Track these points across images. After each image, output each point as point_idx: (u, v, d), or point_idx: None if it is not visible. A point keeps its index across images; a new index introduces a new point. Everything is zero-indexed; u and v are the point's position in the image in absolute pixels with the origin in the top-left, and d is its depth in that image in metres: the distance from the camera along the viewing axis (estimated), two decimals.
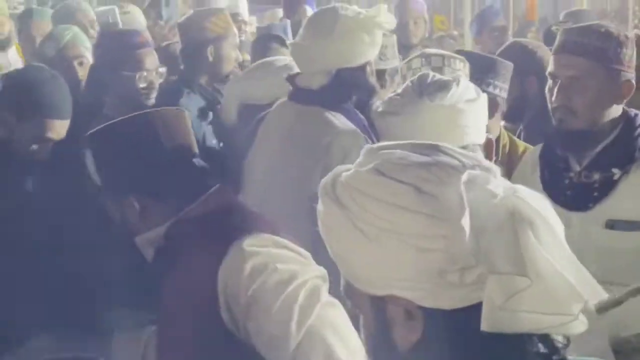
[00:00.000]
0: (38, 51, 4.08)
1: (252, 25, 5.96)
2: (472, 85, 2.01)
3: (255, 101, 3.33)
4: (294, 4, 5.72)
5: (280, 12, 6.55)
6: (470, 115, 1.95)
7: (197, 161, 2.18)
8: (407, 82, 2.02)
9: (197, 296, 1.98)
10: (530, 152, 2.77)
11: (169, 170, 2.11)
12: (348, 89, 2.88)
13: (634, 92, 2.51)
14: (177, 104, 3.50)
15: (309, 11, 5.45)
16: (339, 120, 2.82)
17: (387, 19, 2.88)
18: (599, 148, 2.49)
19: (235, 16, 5.54)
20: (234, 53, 3.90)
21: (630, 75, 2.48)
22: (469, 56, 2.85)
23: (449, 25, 19.69)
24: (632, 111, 2.54)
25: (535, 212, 1.09)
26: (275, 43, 4.37)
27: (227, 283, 1.93)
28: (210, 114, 3.77)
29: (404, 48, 4.89)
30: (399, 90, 2.01)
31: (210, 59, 3.80)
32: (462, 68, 2.66)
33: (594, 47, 2.41)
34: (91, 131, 2.21)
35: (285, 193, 2.82)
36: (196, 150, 2.22)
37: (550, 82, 2.53)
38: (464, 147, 1.90)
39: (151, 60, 3.40)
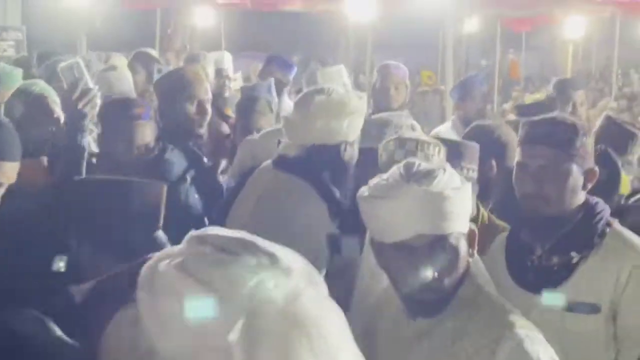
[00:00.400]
0: (5, 109, 3.96)
1: (237, 80, 6.03)
2: (456, 174, 2.03)
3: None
4: (269, 71, 5.77)
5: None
6: (456, 203, 1.96)
7: (158, 234, 2.33)
8: (394, 168, 2.04)
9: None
10: (500, 235, 2.84)
11: (129, 237, 2.23)
12: (320, 163, 3.00)
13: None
14: (162, 159, 3.57)
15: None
16: (306, 190, 2.99)
17: (356, 107, 3.06)
18: (563, 231, 2.58)
19: (219, 72, 5.62)
20: (206, 108, 3.89)
21: (592, 163, 2.59)
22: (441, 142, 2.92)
23: (436, 80, 19.95)
24: (593, 199, 2.64)
25: (313, 321, 1.14)
26: (259, 105, 4.43)
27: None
28: (193, 172, 3.78)
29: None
30: (385, 176, 2.03)
31: (185, 115, 3.82)
32: (437, 153, 2.75)
33: (559, 138, 2.51)
34: (77, 179, 2.33)
35: None
36: (160, 223, 2.36)
37: (517, 171, 2.61)
38: (447, 235, 1.96)
39: (149, 131, 3.54)
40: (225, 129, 4.77)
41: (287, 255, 1.26)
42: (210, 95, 3.88)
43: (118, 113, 3.55)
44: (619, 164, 3.45)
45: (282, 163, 3.15)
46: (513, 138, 3.46)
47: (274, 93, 5.86)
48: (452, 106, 6.33)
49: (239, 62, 20.89)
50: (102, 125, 3.63)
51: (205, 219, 3.72)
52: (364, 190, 2.02)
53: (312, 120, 3.03)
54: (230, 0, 11.58)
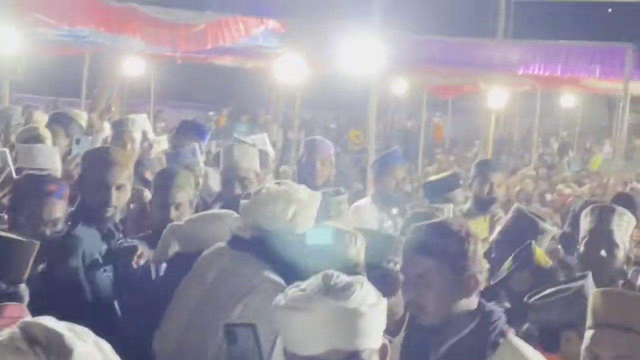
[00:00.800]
0: None
1: (160, 143, 5.98)
2: (373, 289, 2.03)
3: (193, 249, 3.47)
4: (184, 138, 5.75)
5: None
6: (371, 319, 1.94)
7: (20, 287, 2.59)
8: (312, 278, 2.02)
9: None
10: (397, 338, 2.79)
11: None
12: (272, 247, 3.12)
13: None
14: (71, 236, 3.51)
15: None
16: (262, 270, 3.07)
17: (303, 199, 3.17)
18: (453, 340, 2.49)
19: (145, 134, 5.56)
20: (125, 194, 3.83)
21: (476, 269, 2.51)
22: (369, 234, 2.96)
23: (364, 139, 20.21)
24: (489, 306, 2.58)
25: None
26: (178, 180, 4.35)
27: None
28: (104, 250, 3.67)
29: (308, 187, 4.98)
30: (303, 285, 2.00)
31: (102, 198, 3.68)
32: (353, 243, 2.80)
33: (438, 246, 2.46)
34: None
35: (204, 322, 3.08)
36: (23, 277, 2.63)
37: (402, 279, 2.59)
38: (361, 351, 1.92)
39: (59, 209, 3.52)
40: (148, 194, 4.69)
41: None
42: (130, 181, 3.84)
43: (30, 188, 3.54)
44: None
45: (238, 243, 3.25)
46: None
47: (199, 156, 5.84)
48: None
49: (169, 111, 20.91)
50: (14, 198, 3.61)
51: (115, 301, 3.66)
52: (280, 299, 1.99)
53: (262, 205, 3.16)
54: (160, 51, 11.54)
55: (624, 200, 7.07)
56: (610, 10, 9.75)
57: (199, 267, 3.31)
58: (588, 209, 3.87)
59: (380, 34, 7.59)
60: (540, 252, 3.56)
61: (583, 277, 3.03)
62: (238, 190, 4.45)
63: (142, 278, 3.67)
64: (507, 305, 3.32)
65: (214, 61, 14.32)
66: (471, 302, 2.52)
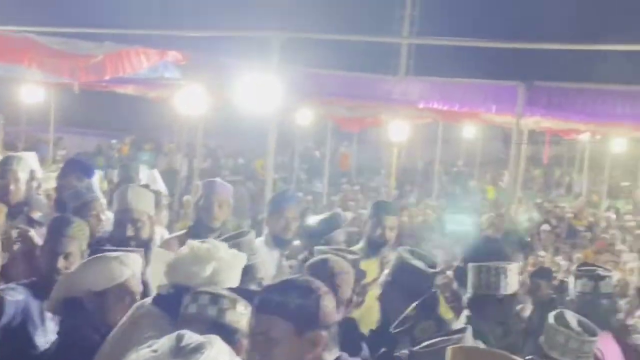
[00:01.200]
0: None
1: (49, 181, 5.82)
2: (226, 349, 2.03)
3: (85, 292, 3.41)
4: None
5: None
6: None
7: None
8: (164, 339, 2.00)
9: None
10: None
11: None
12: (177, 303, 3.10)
13: None
14: None
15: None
16: (161, 325, 3.06)
17: (224, 255, 3.24)
18: None
19: (32, 173, 5.41)
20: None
21: (324, 323, 2.52)
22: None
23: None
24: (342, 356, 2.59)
25: None
26: (70, 230, 4.27)
27: None
28: None
29: (207, 230, 4.95)
30: (155, 345, 1.98)
31: None
32: (231, 306, 2.83)
33: (281, 305, 2.47)
34: None
35: None
36: None
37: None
38: None
39: None
40: (34, 234, 4.58)
41: None
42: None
43: None
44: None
45: (157, 299, 3.29)
46: (344, 269, 3.60)
47: (97, 191, 5.73)
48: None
49: (71, 138, 20.46)
50: None
51: None
52: (133, 358, 1.99)
53: (183, 263, 3.22)
54: (59, 79, 11.30)
55: (512, 236, 7.38)
56: (505, 52, 10.17)
57: (123, 325, 3.31)
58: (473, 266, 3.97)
59: (278, 68, 7.68)
60: (444, 303, 3.64)
61: (464, 329, 3.10)
62: (130, 232, 4.40)
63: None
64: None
65: (116, 89, 14.13)
66: (324, 356, 2.52)
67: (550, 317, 3.27)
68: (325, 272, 3.53)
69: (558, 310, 3.32)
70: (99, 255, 3.62)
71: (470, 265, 3.95)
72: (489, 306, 3.83)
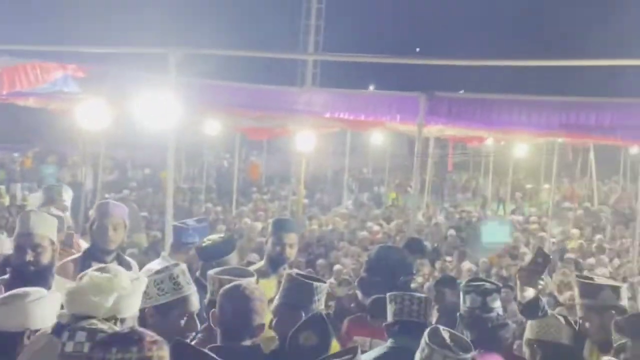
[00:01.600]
0: None
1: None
2: None
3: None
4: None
5: None
6: None
7: None
8: None
9: None
10: None
11: None
12: None
13: None
14: None
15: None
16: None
17: (125, 284, 3.22)
18: None
19: None
20: None
21: None
22: None
23: (178, 181, 20.06)
24: None
25: None
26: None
27: None
28: None
29: (103, 252, 4.81)
30: None
31: None
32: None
33: None
34: None
35: None
36: None
37: None
38: None
39: None
40: None
41: None
42: None
43: None
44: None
45: (56, 327, 3.22)
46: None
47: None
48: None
49: None
50: None
51: None
52: None
53: (83, 294, 3.18)
54: None
55: (414, 245, 7.45)
56: (406, 63, 10.47)
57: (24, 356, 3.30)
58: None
59: (176, 83, 7.67)
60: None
61: (354, 349, 3.11)
62: (29, 257, 4.29)
63: None
64: None
65: (16, 102, 13.74)
66: None
67: (425, 334, 3.26)
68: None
69: (432, 326, 3.33)
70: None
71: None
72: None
